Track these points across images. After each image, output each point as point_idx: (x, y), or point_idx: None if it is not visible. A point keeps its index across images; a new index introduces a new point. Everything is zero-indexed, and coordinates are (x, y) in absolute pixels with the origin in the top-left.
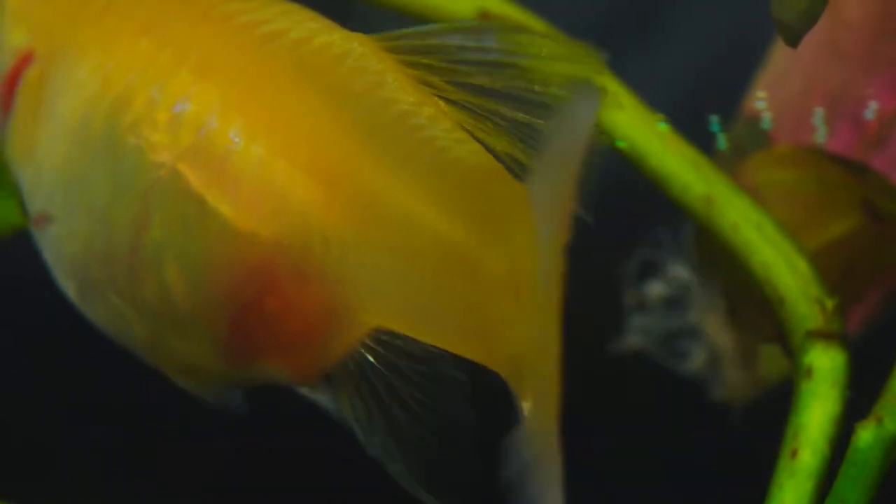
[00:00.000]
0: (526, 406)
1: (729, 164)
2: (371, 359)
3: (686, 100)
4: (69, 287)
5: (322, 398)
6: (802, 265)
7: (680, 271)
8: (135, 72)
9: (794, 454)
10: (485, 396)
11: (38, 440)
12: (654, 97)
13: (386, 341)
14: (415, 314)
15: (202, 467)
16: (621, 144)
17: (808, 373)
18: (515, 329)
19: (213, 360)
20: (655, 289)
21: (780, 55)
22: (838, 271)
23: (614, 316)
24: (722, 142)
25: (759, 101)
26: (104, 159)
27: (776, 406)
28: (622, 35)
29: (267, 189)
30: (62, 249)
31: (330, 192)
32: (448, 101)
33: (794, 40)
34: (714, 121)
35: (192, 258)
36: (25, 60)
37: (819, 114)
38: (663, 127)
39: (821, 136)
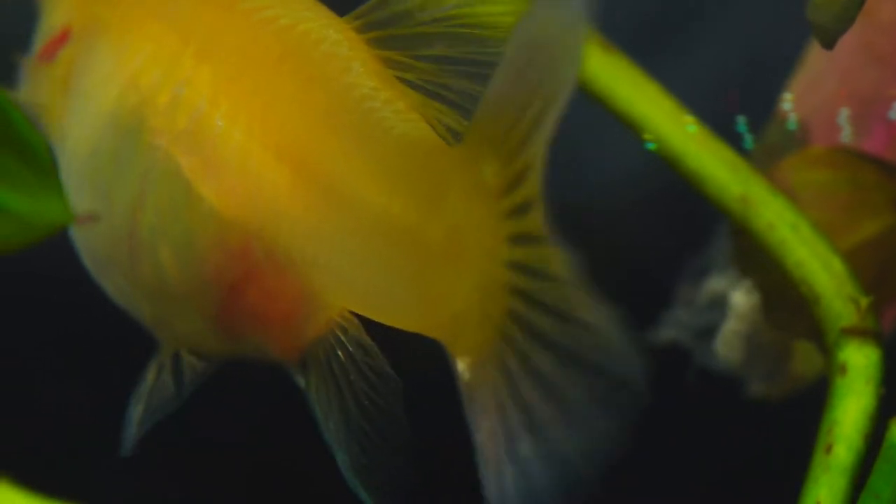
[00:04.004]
0: (461, 365)
1: (764, 165)
2: (335, 345)
3: (722, 101)
4: (87, 264)
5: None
6: (837, 264)
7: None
8: (144, 55)
9: (828, 450)
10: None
11: (56, 438)
12: (689, 98)
13: (351, 330)
14: (368, 293)
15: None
16: (652, 147)
17: (843, 369)
18: (454, 290)
19: (210, 338)
20: (715, 284)
21: (815, 57)
22: (872, 270)
23: (650, 308)
24: (749, 142)
25: (786, 102)
26: (110, 140)
27: (811, 402)
28: (656, 36)
29: (245, 175)
30: (77, 228)
31: (295, 176)
32: (407, 81)
33: (829, 42)
34: (741, 121)
35: (181, 242)
36: (62, 39)
37: (844, 114)
38: (693, 129)
39: (846, 137)
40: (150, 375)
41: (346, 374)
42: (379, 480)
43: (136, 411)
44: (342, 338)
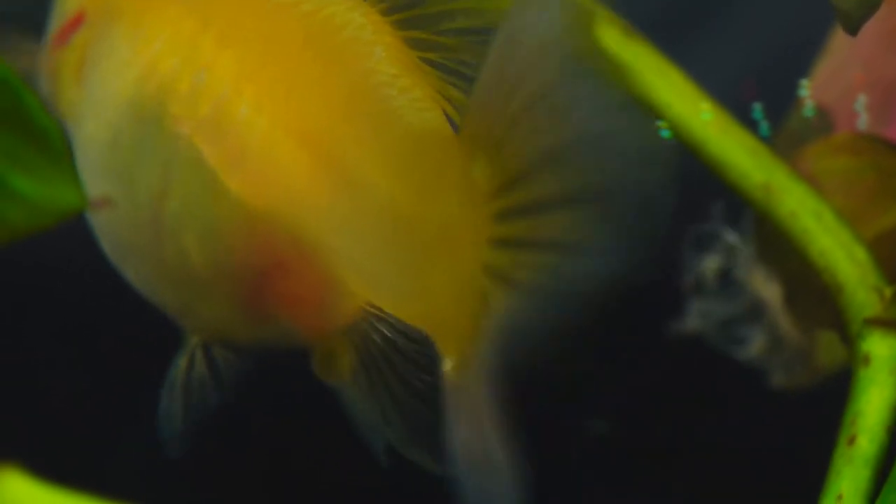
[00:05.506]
0: (447, 363)
1: (787, 152)
2: (370, 329)
3: (740, 89)
4: (108, 251)
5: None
6: (861, 253)
7: (732, 240)
8: (162, 39)
9: (851, 441)
10: None
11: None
12: (709, 86)
13: (383, 314)
14: (377, 282)
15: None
16: (667, 135)
17: (866, 360)
18: (442, 286)
19: (236, 324)
20: (712, 263)
21: (838, 44)
22: None
23: (675, 299)
24: (765, 129)
25: (804, 88)
26: (130, 127)
27: (834, 393)
28: (679, 23)
29: (269, 164)
30: (97, 215)
31: (315, 165)
32: (430, 61)
33: (853, 28)
34: (757, 109)
35: (207, 230)
36: (76, 23)
37: (861, 101)
38: (708, 116)
39: (862, 124)
40: (180, 370)
41: (384, 353)
42: (434, 447)
43: (174, 407)
44: (374, 321)
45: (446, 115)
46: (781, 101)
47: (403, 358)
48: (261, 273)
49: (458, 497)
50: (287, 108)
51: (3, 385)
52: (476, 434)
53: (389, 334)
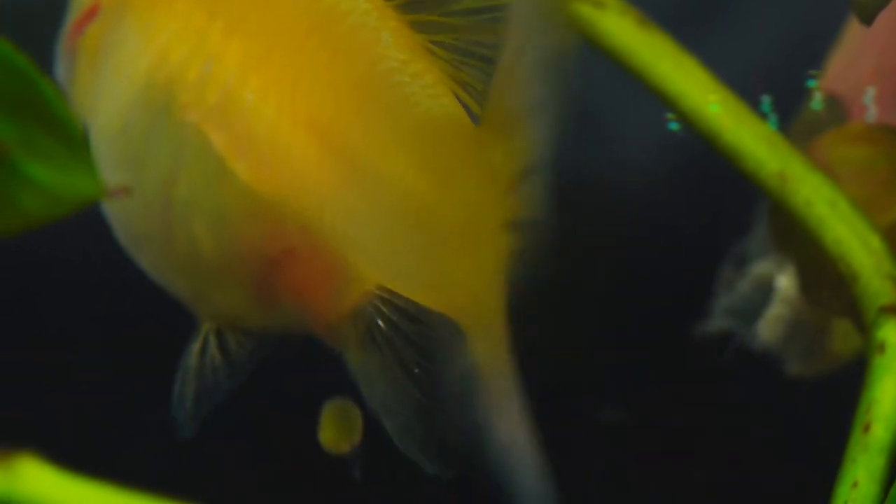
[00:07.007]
0: (476, 353)
1: (802, 141)
2: (376, 315)
3: (751, 81)
4: (121, 240)
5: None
6: (876, 242)
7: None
8: (171, 31)
9: (866, 429)
10: None
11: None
12: (721, 79)
13: (391, 297)
14: (394, 268)
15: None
16: (675, 127)
17: (881, 348)
18: (465, 274)
19: (248, 311)
20: (757, 270)
21: (851, 35)
22: None
23: (700, 297)
24: (773, 122)
25: (812, 79)
26: (140, 116)
27: (849, 382)
28: (689, 17)
29: (276, 151)
30: (110, 203)
31: (324, 152)
32: (438, 43)
33: (868, 18)
34: (766, 101)
35: (215, 217)
36: (90, 14)
37: (871, 93)
38: (715, 108)
39: (871, 116)
40: (193, 355)
41: (389, 341)
42: (432, 444)
43: (188, 390)
44: (382, 307)
45: (459, 99)
46: (791, 95)
47: (410, 344)
48: (269, 259)
49: (486, 483)
50: (293, 96)
51: (17, 376)
52: (507, 416)
53: (396, 318)
